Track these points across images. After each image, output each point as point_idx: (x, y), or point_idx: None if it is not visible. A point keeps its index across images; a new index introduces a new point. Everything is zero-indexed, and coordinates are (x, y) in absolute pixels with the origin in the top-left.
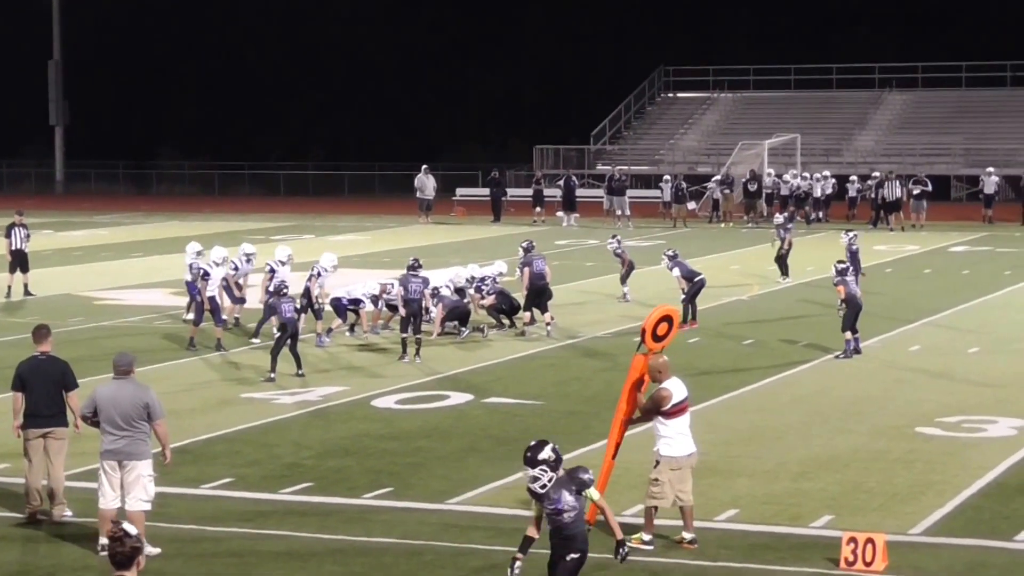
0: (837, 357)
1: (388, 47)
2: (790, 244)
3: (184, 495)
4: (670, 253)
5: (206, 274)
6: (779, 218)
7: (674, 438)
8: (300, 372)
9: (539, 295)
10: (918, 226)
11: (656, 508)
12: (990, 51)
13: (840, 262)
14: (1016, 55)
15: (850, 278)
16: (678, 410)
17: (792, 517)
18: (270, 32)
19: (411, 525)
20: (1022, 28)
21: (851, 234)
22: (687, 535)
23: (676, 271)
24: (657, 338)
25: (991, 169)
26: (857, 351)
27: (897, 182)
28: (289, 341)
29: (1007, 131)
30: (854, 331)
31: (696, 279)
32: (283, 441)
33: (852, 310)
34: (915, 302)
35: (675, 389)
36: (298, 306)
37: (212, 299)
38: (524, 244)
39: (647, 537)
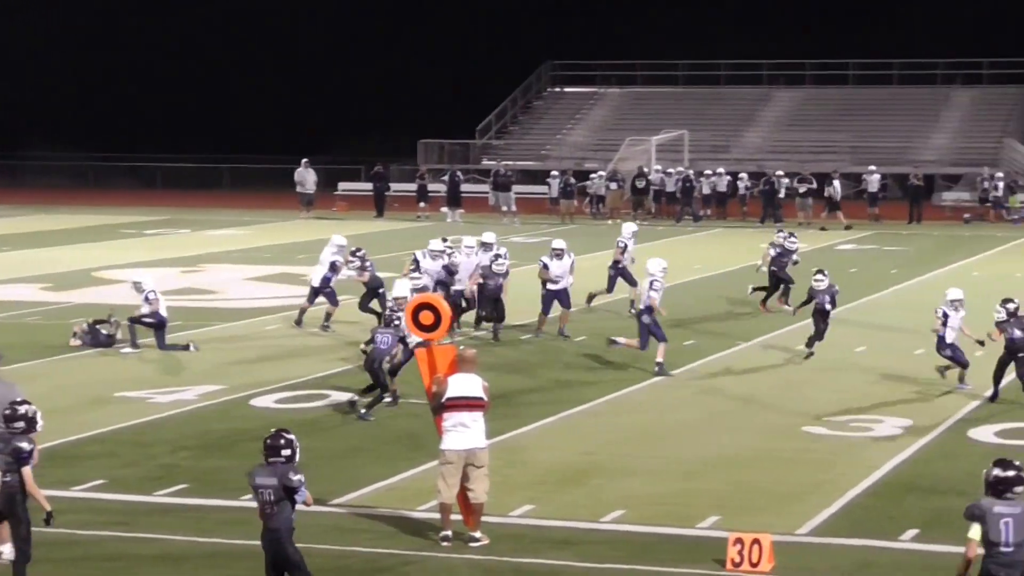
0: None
1: (269, 38)
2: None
3: (55, 497)
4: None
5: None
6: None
7: (448, 431)
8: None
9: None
10: (805, 224)
11: (441, 503)
12: (876, 49)
13: (1009, 301)
14: (902, 53)
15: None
16: (452, 405)
17: (680, 517)
18: (148, 20)
19: None
20: (908, 26)
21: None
22: (471, 533)
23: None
24: (425, 328)
25: (873, 167)
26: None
27: (836, 181)
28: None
29: (893, 129)
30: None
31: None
32: (158, 441)
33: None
34: (801, 300)
35: (454, 384)
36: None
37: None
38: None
39: (445, 532)
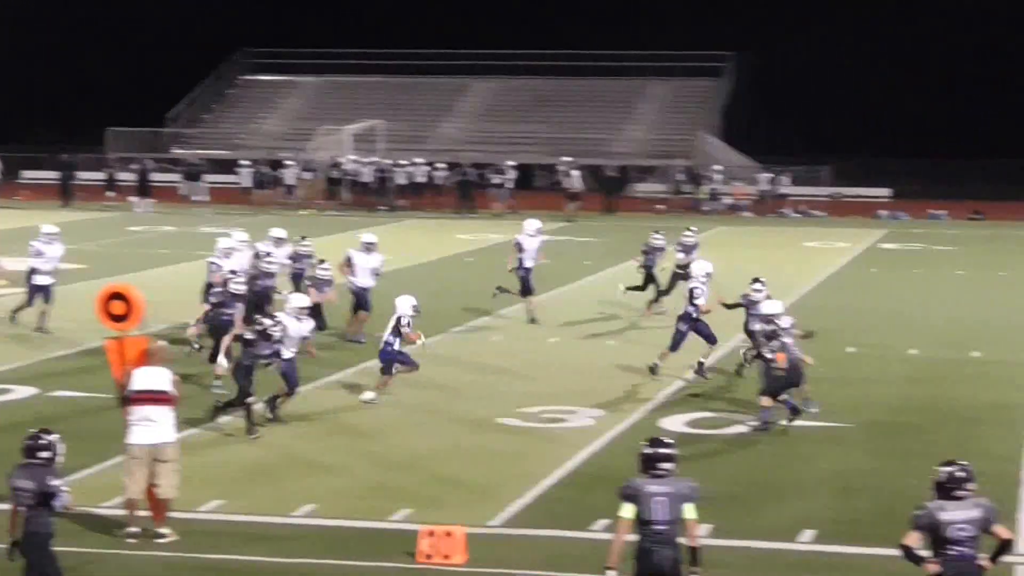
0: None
1: None
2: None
3: None
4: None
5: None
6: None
7: (134, 426)
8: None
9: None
10: (499, 215)
11: (128, 499)
12: (573, 41)
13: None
14: (598, 45)
15: (789, 340)
16: (137, 398)
17: (372, 511)
18: None
19: None
20: (603, 18)
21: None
22: (158, 529)
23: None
24: (117, 318)
25: (568, 159)
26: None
27: (575, 173)
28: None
29: (589, 121)
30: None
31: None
32: None
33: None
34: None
35: (140, 378)
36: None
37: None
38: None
39: (131, 529)
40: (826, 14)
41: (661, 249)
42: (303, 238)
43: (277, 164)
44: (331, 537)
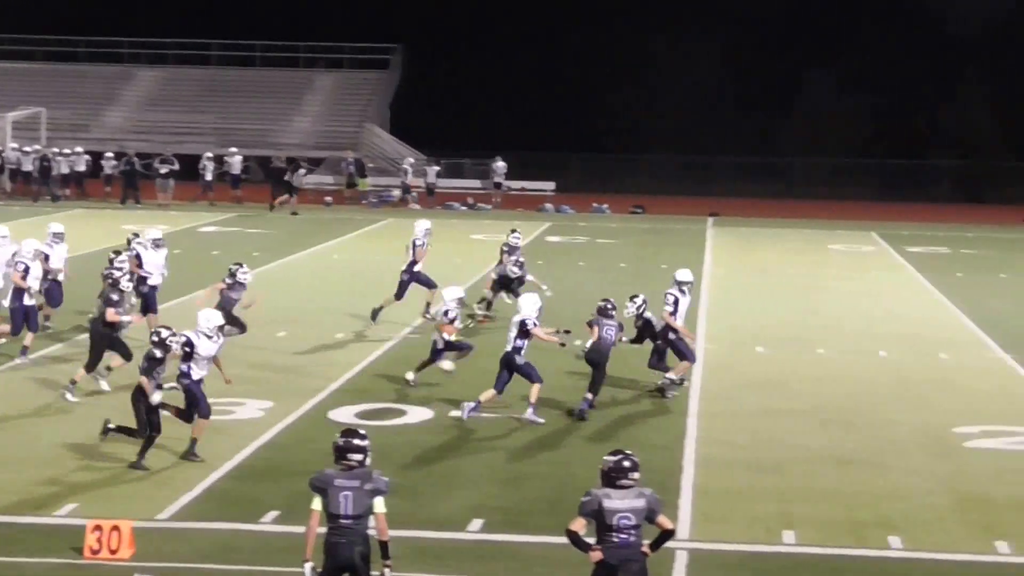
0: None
1: None
2: None
3: None
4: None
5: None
6: None
7: None
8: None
9: None
10: (165, 206)
11: None
12: (239, 30)
13: (604, 300)
14: (265, 35)
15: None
16: None
17: (36, 506)
18: None
19: None
20: (269, 8)
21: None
22: None
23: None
24: None
25: (234, 149)
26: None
27: (302, 170)
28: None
29: (257, 112)
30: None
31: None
32: None
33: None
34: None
35: None
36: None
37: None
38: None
39: None
40: (494, 9)
41: (518, 248)
42: (136, 235)
43: None
44: None
